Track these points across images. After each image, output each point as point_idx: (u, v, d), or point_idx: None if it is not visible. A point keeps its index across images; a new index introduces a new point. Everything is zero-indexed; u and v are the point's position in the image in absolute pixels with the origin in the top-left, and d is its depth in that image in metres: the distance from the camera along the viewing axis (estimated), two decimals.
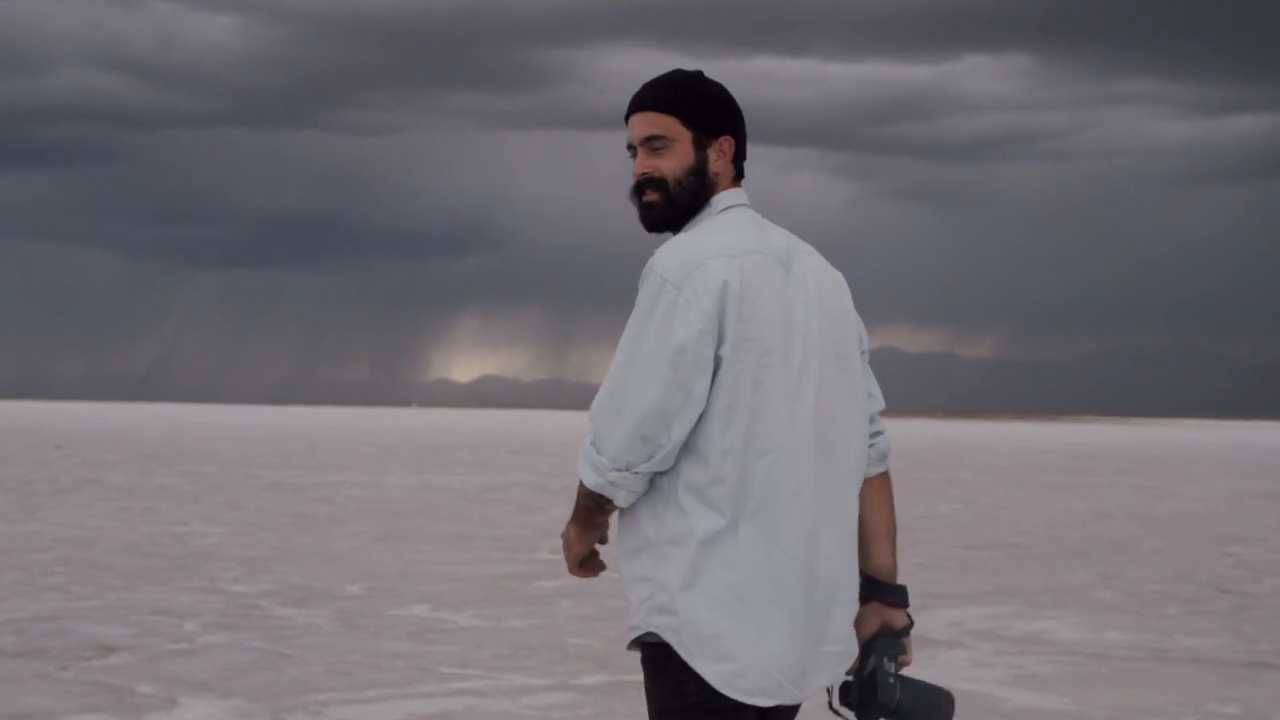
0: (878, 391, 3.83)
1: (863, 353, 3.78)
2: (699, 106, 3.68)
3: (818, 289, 3.65)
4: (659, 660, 3.58)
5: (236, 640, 10.64)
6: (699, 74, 3.76)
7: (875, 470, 3.80)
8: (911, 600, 3.81)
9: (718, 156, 3.69)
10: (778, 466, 3.52)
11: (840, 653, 3.65)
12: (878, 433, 3.82)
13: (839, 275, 3.78)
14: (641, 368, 3.49)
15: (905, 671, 3.81)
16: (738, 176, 3.74)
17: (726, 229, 3.62)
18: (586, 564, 3.76)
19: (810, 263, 3.69)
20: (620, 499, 3.55)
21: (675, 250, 3.55)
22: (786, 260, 3.63)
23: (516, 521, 20.73)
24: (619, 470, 3.52)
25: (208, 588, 13.31)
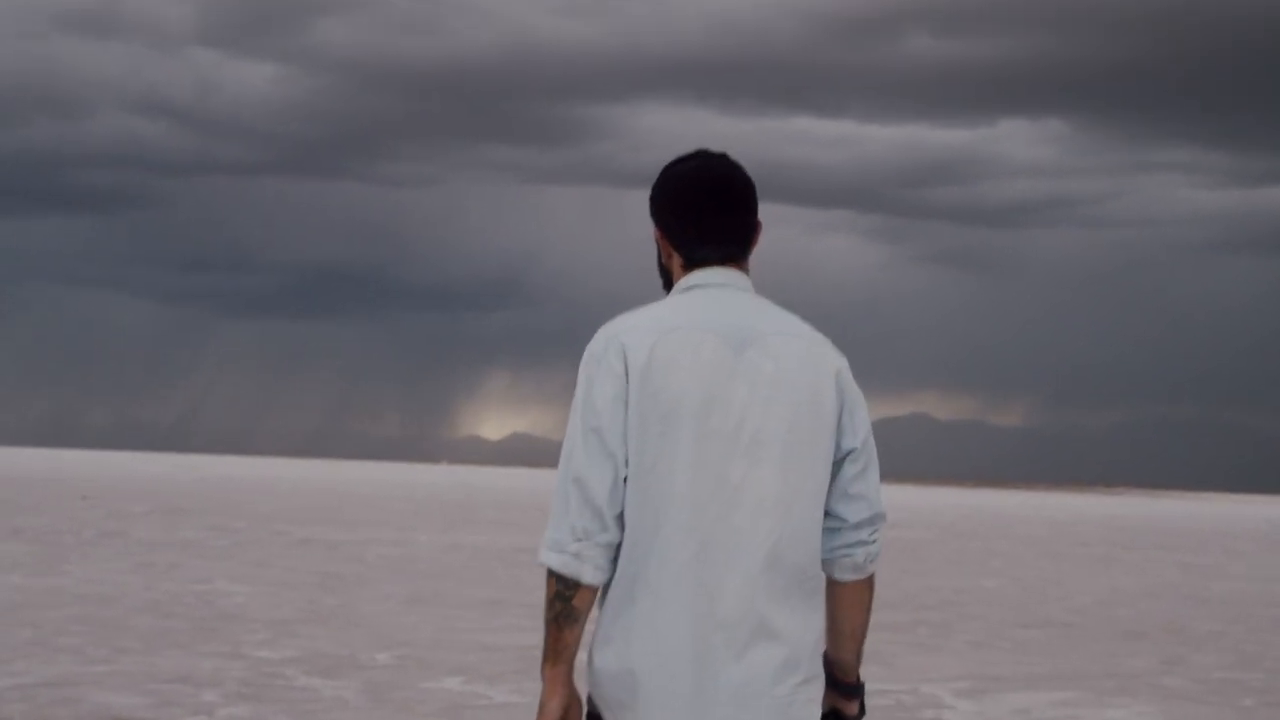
0: (874, 494, 3.63)
1: (851, 450, 3.59)
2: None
3: (777, 375, 3.54)
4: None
5: (258, 713, 10.04)
6: (674, 160, 3.75)
7: (847, 577, 3.65)
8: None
9: (662, 246, 3.73)
10: (673, 544, 3.47)
11: None
12: (859, 542, 3.62)
13: (828, 364, 3.60)
14: (579, 440, 3.50)
15: None
16: (688, 263, 3.68)
17: (667, 306, 3.62)
18: None
19: (781, 347, 3.56)
20: (587, 574, 3.48)
21: (604, 328, 3.60)
22: (741, 342, 3.55)
23: None
24: (580, 540, 3.46)
25: (230, 653, 12.71)
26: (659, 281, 3.80)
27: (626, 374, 3.49)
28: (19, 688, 10.59)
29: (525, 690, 11.40)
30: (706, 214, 3.65)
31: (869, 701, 3.95)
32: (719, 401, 3.50)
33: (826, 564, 3.62)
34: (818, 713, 3.61)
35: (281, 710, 10.19)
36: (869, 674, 3.51)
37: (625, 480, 3.49)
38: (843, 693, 3.76)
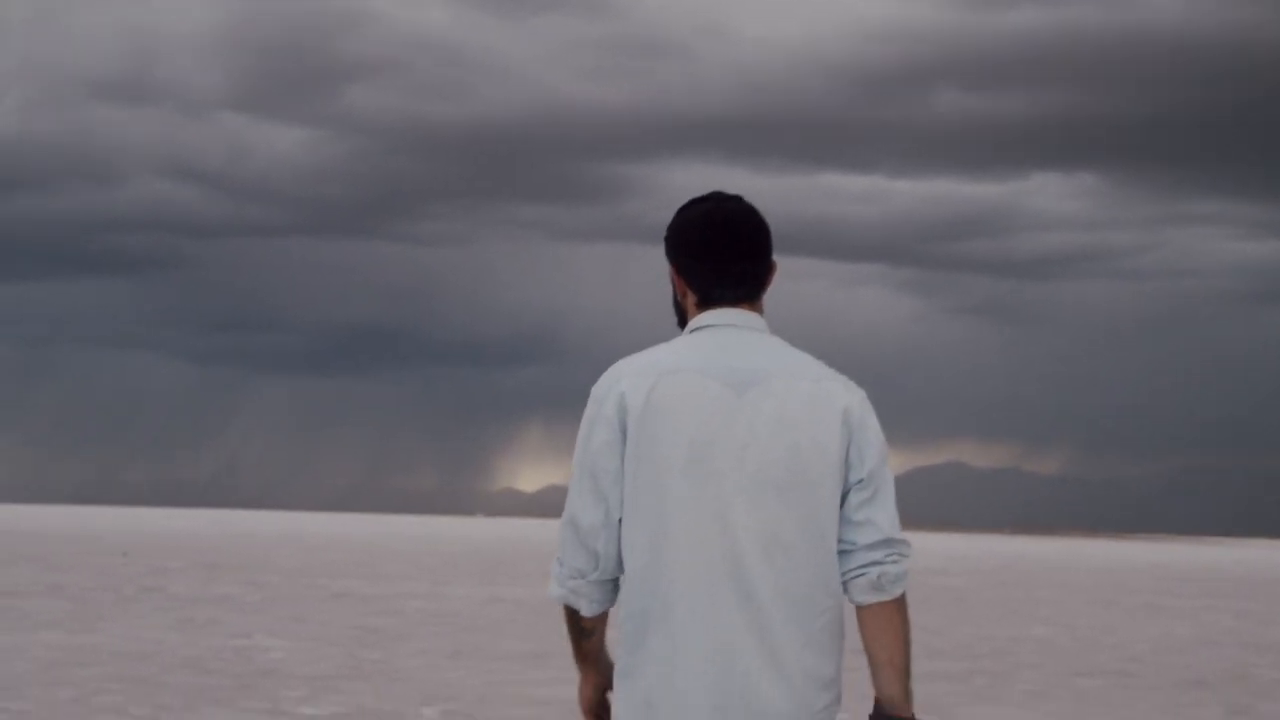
0: (883, 520, 3.60)
1: (859, 480, 3.59)
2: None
3: (778, 414, 3.55)
4: None
5: None
6: (689, 201, 3.80)
7: (867, 599, 3.60)
8: None
9: (677, 284, 3.78)
10: (679, 586, 3.51)
11: None
12: (872, 561, 3.59)
13: (836, 403, 3.60)
14: (576, 481, 3.61)
15: None
16: (702, 301, 3.72)
17: (671, 347, 3.66)
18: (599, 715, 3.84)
19: (786, 387, 3.58)
20: (584, 608, 3.64)
21: (609, 370, 3.67)
22: (743, 383, 3.57)
23: None
24: (575, 579, 3.61)
25: (271, 709, 12.41)
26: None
27: (623, 420, 3.56)
28: None
29: None
30: (720, 254, 3.69)
31: None
32: (719, 443, 3.55)
33: (846, 589, 3.61)
34: None
35: None
36: None
37: (620, 521, 3.57)
38: None
